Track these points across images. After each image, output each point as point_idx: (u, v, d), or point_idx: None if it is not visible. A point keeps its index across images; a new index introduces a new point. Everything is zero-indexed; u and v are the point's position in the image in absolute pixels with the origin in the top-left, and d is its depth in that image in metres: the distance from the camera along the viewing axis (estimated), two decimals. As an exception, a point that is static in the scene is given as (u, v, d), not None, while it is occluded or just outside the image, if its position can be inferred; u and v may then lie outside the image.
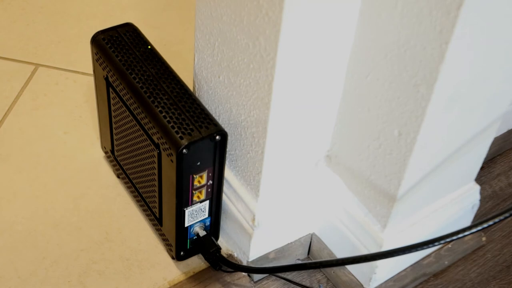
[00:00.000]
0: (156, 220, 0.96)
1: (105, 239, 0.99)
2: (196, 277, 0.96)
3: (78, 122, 1.17)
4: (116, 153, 1.02)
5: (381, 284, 0.94)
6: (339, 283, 0.97)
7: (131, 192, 1.03)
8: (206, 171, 0.85)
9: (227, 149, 0.86)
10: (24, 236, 0.99)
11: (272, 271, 0.96)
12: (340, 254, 0.96)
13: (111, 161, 1.07)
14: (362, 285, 0.93)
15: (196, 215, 0.90)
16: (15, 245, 0.97)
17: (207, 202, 0.89)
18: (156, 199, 0.92)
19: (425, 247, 0.69)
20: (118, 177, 1.07)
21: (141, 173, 0.94)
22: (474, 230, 0.66)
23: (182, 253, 0.94)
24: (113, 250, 0.98)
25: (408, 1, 0.70)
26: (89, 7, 1.43)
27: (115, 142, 1.00)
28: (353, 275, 0.94)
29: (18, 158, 1.10)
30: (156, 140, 0.84)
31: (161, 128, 0.82)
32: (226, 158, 0.88)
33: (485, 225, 0.66)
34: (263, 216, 0.91)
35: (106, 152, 1.08)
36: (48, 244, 0.98)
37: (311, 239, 1.00)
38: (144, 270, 0.96)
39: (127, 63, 0.90)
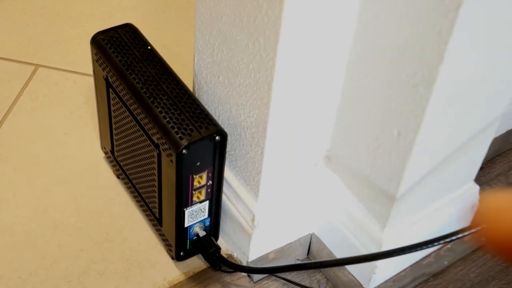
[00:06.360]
0: (156, 220, 0.96)
1: (105, 239, 0.99)
2: (196, 277, 0.96)
3: (78, 123, 1.17)
4: (116, 154, 1.02)
5: (380, 284, 0.94)
6: (339, 283, 0.97)
7: (131, 192, 1.03)
8: (206, 171, 0.85)
9: (227, 150, 0.86)
10: (24, 236, 0.99)
11: (272, 271, 0.96)
12: (339, 254, 0.96)
13: (111, 162, 1.07)
14: (361, 285, 0.93)
15: (195, 215, 0.90)
16: (15, 245, 0.97)
17: (207, 202, 0.89)
18: (156, 200, 0.92)
19: (424, 247, 0.69)
20: (118, 177, 1.07)
21: (141, 174, 0.94)
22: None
23: (182, 253, 0.94)
24: (113, 250, 0.98)
25: (407, 2, 0.70)
26: (89, 8, 1.43)
27: (115, 143, 1.00)
28: (352, 275, 0.94)
29: (18, 159, 1.10)
30: (156, 141, 0.84)
31: (161, 128, 0.82)
32: (226, 158, 0.88)
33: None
34: (263, 216, 0.91)
35: (106, 153, 1.08)
36: (48, 244, 0.98)
37: (310, 239, 1.00)
38: (144, 270, 0.96)
39: (127, 64, 0.90)
